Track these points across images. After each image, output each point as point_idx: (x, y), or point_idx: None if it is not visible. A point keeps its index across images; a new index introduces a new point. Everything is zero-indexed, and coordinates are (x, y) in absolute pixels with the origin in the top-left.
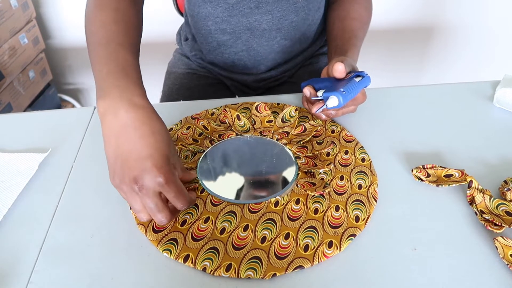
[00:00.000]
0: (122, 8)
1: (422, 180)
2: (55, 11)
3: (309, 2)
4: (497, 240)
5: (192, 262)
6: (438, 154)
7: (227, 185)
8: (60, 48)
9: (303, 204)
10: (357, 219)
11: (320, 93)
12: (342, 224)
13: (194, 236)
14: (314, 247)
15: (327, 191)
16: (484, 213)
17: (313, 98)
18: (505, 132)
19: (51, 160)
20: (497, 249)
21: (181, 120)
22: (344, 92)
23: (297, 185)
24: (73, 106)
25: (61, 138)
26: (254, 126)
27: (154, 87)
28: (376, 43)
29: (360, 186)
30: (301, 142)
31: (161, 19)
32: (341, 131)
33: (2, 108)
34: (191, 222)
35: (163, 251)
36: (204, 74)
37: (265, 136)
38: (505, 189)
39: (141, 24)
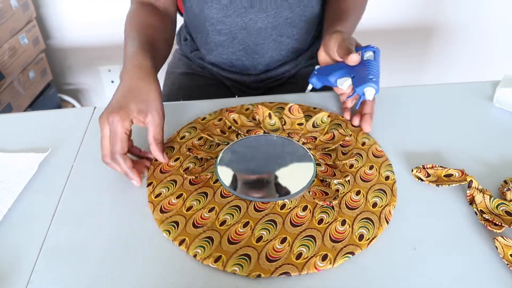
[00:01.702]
0: (140, 15)
1: (422, 180)
2: (55, 11)
3: None
4: (497, 240)
5: (186, 247)
6: (438, 154)
7: (240, 180)
8: (60, 48)
9: (310, 212)
10: (361, 237)
11: (342, 84)
12: (343, 239)
13: (195, 223)
14: (307, 257)
15: (334, 202)
16: (484, 213)
17: (347, 98)
18: (505, 132)
19: (51, 160)
20: (497, 249)
21: (215, 111)
22: (374, 79)
23: (308, 192)
24: (73, 106)
25: (61, 138)
26: (284, 126)
27: None
28: (376, 43)
29: (375, 204)
30: (326, 150)
31: None
32: (373, 145)
33: (2, 108)
34: (196, 209)
35: (163, 231)
36: (204, 75)
37: (292, 138)
38: (505, 189)
39: (160, 24)
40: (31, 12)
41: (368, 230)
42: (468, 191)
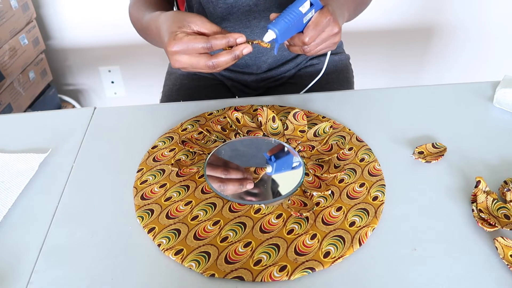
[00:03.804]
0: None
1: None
2: (55, 12)
3: None
4: (497, 240)
5: (153, 235)
6: None
7: (225, 179)
8: (60, 48)
9: (282, 221)
10: (326, 254)
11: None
12: (308, 254)
13: (169, 214)
14: (265, 265)
15: (306, 214)
16: (482, 212)
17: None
18: (505, 133)
19: (51, 160)
20: (497, 249)
21: (223, 108)
22: (273, 21)
23: (288, 200)
24: (73, 106)
25: (61, 138)
26: (285, 131)
27: (154, 88)
28: (377, 43)
29: (352, 223)
30: (319, 160)
31: None
32: (372, 162)
33: (3, 109)
34: (174, 200)
35: (137, 217)
36: (205, 75)
37: (289, 144)
38: (505, 190)
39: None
40: (31, 12)
41: (337, 248)
42: (473, 190)
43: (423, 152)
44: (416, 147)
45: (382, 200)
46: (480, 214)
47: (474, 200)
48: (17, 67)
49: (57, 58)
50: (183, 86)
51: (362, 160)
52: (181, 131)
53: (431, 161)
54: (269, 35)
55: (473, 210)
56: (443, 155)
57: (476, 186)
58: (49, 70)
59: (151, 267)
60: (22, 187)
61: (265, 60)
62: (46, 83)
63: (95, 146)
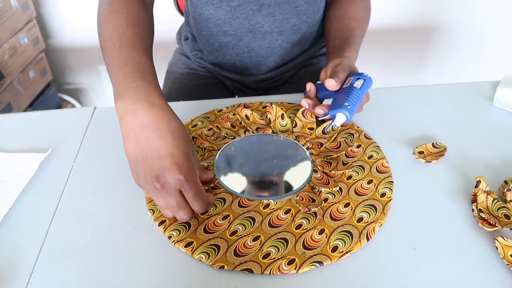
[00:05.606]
0: (134, 12)
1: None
2: (55, 11)
3: (310, 5)
4: (497, 240)
5: (164, 228)
6: None
7: (235, 175)
8: (60, 48)
9: (291, 216)
10: (334, 249)
11: (320, 111)
12: (316, 248)
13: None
14: (274, 258)
15: (314, 209)
16: (482, 212)
17: (319, 119)
18: (505, 132)
19: (51, 160)
20: (497, 249)
21: (233, 105)
22: (349, 106)
23: (296, 196)
24: (73, 106)
25: (61, 138)
26: (294, 129)
27: None
28: (377, 43)
29: (360, 219)
30: (328, 157)
31: (161, 18)
32: (380, 159)
33: (2, 108)
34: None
35: (148, 209)
36: (204, 74)
37: (298, 141)
38: (505, 189)
39: (153, 26)
40: (31, 11)
41: (344, 243)
42: (473, 190)
43: (423, 152)
44: (416, 147)
45: (390, 197)
46: (480, 214)
47: (474, 200)
48: (17, 66)
49: (57, 57)
50: (182, 85)
51: (370, 157)
52: (191, 127)
53: (431, 161)
54: (341, 119)
55: (473, 210)
56: (443, 155)
57: (476, 186)
58: (49, 69)
59: (151, 267)
60: (22, 187)
61: (266, 64)
62: (46, 82)
63: (95, 146)
